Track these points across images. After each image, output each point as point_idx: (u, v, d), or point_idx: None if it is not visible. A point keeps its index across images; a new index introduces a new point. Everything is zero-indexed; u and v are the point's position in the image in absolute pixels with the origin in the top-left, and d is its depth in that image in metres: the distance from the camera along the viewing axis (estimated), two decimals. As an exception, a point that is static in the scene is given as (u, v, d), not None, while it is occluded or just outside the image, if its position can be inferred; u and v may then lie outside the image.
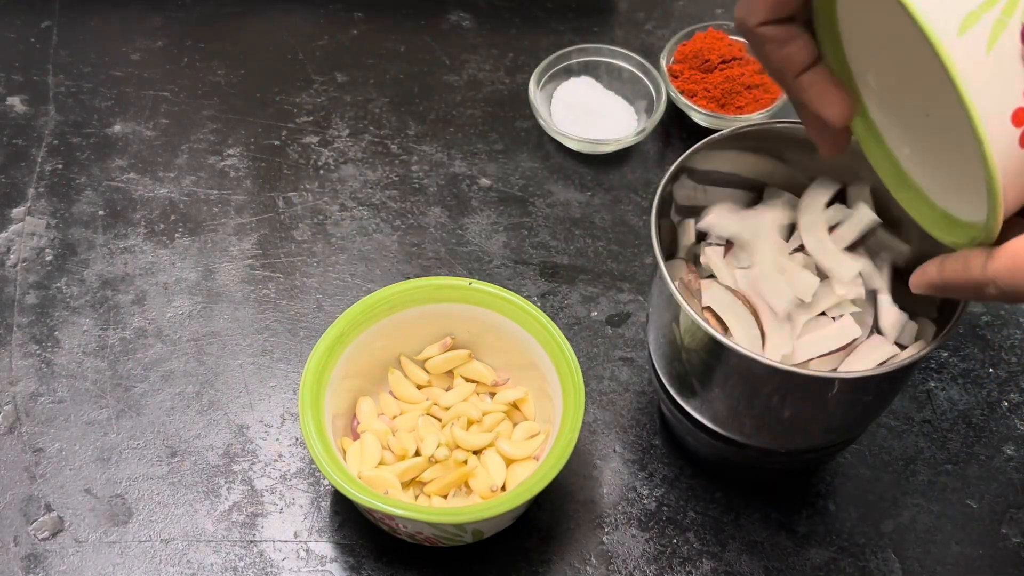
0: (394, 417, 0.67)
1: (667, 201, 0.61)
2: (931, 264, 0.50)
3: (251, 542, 0.65)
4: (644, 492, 0.67)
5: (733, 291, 0.60)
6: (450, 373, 0.69)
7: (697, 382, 0.60)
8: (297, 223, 0.80)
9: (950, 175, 0.52)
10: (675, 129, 0.86)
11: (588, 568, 0.64)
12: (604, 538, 0.65)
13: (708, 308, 0.60)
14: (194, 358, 0.73)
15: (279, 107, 0.87)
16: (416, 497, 0.64)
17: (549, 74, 0.86)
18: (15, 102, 0.86)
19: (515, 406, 0.67)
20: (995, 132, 0.42)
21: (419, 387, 0.68)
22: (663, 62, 0.86)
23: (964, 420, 0.71)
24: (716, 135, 0.61)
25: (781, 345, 0.58)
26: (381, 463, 0.64)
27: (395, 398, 0.68)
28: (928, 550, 0.66)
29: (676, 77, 0.86)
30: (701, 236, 0.64)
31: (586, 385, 0.64)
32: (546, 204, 0.81)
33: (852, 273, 0.59)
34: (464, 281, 0.67)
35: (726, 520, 0.66)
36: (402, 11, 0.94)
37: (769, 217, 0.62)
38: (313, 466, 0.68)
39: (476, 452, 0.64)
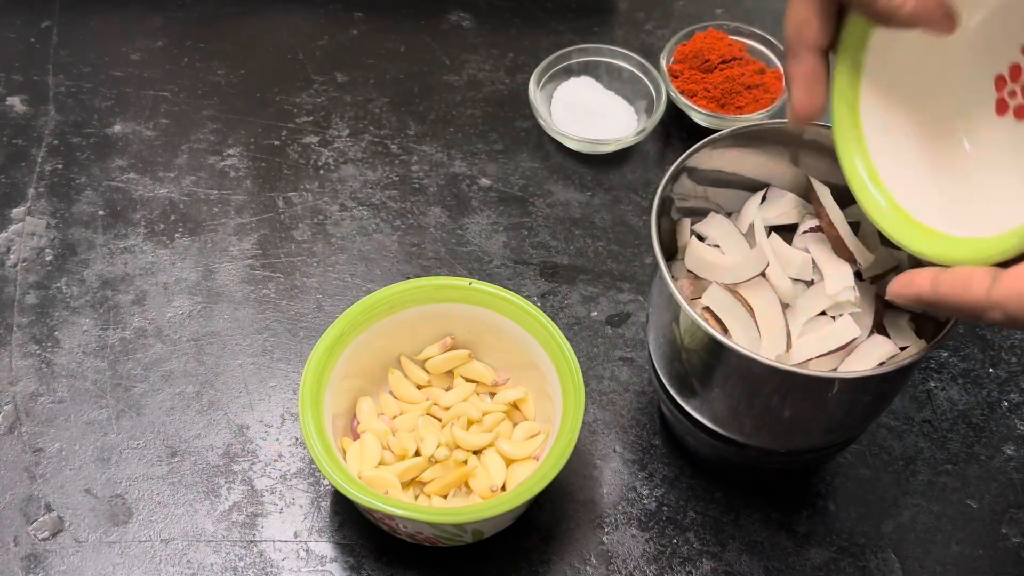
0: (394, 417, 0.67)
1: (667, 201, 0.62)
2: (921, 276, 0.49)
3: (251, 542, 0.65)
4: (644, 492, 0.67)
5: (732, 292, 0.60)
6: (450, 373, 0.69)
7: (697, 382, 0.60)
8: (297, 223, 0.80)
9: (957, 191, 0.52)
10: (675, 129, 0.87)
11: (588, 568, 0.64)
12: (604, 538, 0.65)
13: (707, 308, 0.60)
14: (194, 358, 0.73)
15: (279, 107, 0.87)
16: (416, 497, 0.64)
17: (549, 74, 0.86)
18: (15, 102, 0.86)
19: (515, 406, 0.67)
20: None
21: (419, 387, 0.68)
22: (663, 62, 0.86)
23: (964, 420, 0.71)
24: (716, 135, 0.61)
25: (775, 345, 0.58)
26: (381, 463, 0.64)
27: (395, 398, 0.68)
28: (928, 550, 0.66)
29: (676, 77, 0.86)
30: (701, 237, 0.64)
31: (586, 385, 0.64)
32: (546, 204, 0.81)
33: (847, 278, 0.60)
34: (464, 281, 0.67)
35: (726, 520, 0.66)
36: (402, 11, 0.94)
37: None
38: (313, 466, 0.68)
39: (476, 452, 0.64)
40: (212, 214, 0.80)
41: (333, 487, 0.66)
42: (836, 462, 0.69)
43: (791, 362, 0.58)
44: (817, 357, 0.58)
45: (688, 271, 0.62)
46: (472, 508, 0.58)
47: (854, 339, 0.58)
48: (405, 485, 0.63)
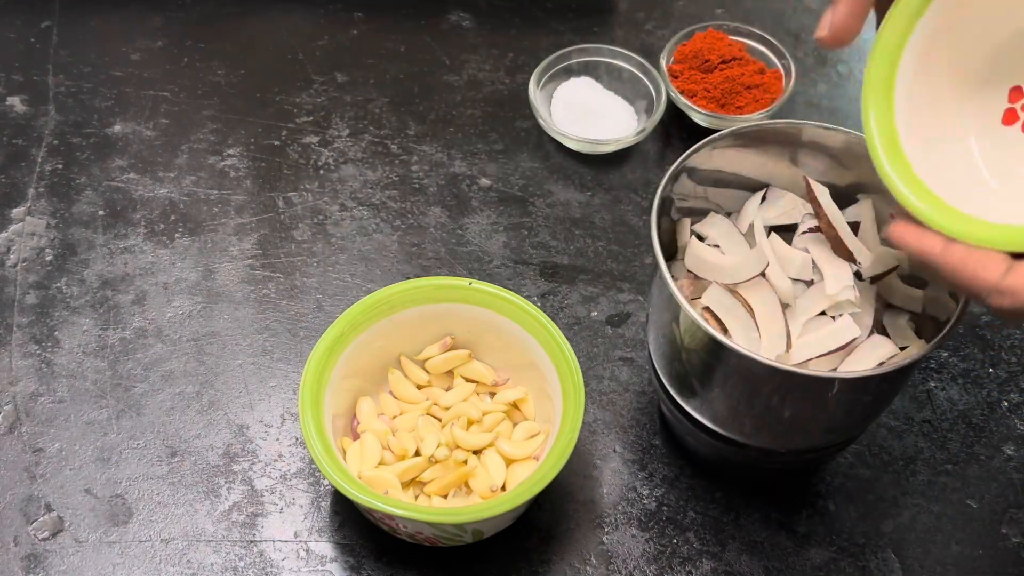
0: (394, 417, 0.67)
1: (667, 201, 0.62)
2: (933, 237, 0.49)
3: (251, 542, 0.65)
4: (644, 492, 0.67)
5: (732, 292, 0.60)
6: (450, 373, 0.69)
7: (697, 382, 0.60)
8: (297, 223, 0.80)
9: (963, 169, 0.52)
10: (675, 129, 0.87)
11: (588, 568, 0.64)
12: (604, 538, 0.65)
13: (707, 308, 0.60)
14: (194, 358, 0.73)
15: (279, 107, 0.87)
16: (416, 497, 0.64)
17: (549, 74, 0.86)
18: (15, 102, 0.86)
19: (515, 406, 0.67)
20: None
21: (419, 387, 0.68)
22: (663, 62, 0.86)
23: (964, 420, 0.71)
24: (716, 135, 0.61)
25: (775, 345, 0.59)
26: (381, 463, 0.64)
27: (395, 398, 0.68)
28: (928, 550, 0.66)
29: (676, 77, 0.86)
30: (701, 237, 0.64)
31: (586, 385, 0.64)
32: (546, 204, 0.81)
33: (846, 277, 0.60)
34: (464, 281, 0.67)
35: (726, 520, 0.66)
36: (402, 11, 0.94)
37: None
38: (313, 466, 0.68)
39: (476, 452, 0.64)
40: (212, 214, 0.80)
41: (333, 487, 0.66)
42: (836, 462, 0.69)
43: (791, 362, 0.58)
44: (817, 357, 0.58)
45: (688, 271, 0.62)
46: (472, 508, 0.58)
47: (854, 339, 0.58)
48: (405, 485, 0.63)
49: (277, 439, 0.69)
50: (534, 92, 0.85)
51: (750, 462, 0.64)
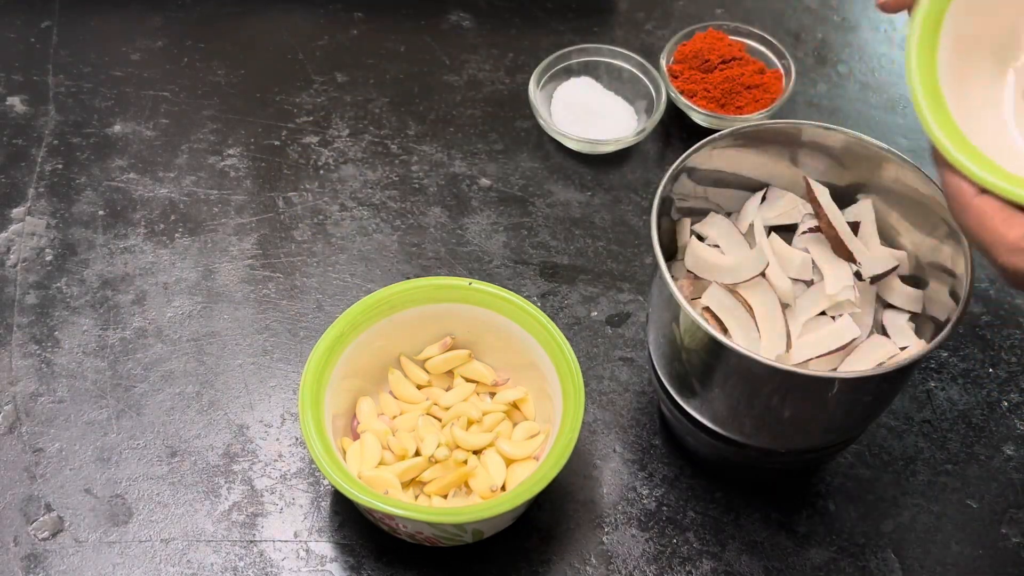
0: (394, 417, 0.67)
1: (667, 201, 0.62)
2: (969, 187, 0.50)
3: (251, 542, 0.65)
4: (644, 492, 0.67)
5: (732, 292, 0.60)
6: (450, 373, 0.69)
7: (697, 382, 0.60)
8: (297, 223, 0.80)
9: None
10: (675, 129, 0.87)
11: (588, 568, 0.64)
12: (604, 538, 0.65)
13: (707, 308, 0.60)
14: (194, 358, 0.73)
15: (279, 107, 0.87)
16: (416, 497, 0.64)
17: (549, 74, 0.86)
18: (15, 102, 0.86)
19: (515, 406, 0.67)
20: None
21: (419, 387, 0.68)
22: (663, 62, 0.86)
23: (964, 420, 0.71)
24: (716, 135, 0.61)
25: (775, 345, 0.59)
26: (381, 463, 0.64)
27: (395, 398, 0.68)
28: (928, 550, 0.66)
29: (676, 77, 0.86)
30: (701, 237, 0.64)
31: (586, 385, 0.64)
32: (546, 204, 0.81)
33: (846, 277, 0.60)
34: (464, 281, 0.67)
35: (726, 520, 0.66)
36: (402, 11, 0.94)
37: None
38: (313, 466, 0.68)
39: (476, 452, 0.64)
40: (212, 214, 0.80)
41: (333, 487, 0.66)
42: (836, 462, 0.69)
43: (791, 362, 0.58)
44: (817, 357, 0.58)
45: (688, 271, 0.62)
46: (472, 508, 0.58)
47: (854, 339, 0.58)
48: (405, 485, 0.63)
49: (277, 439, 0.69)
50: (534, 92, 0.85)
51: (750, 462, 0.64)
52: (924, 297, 0.61)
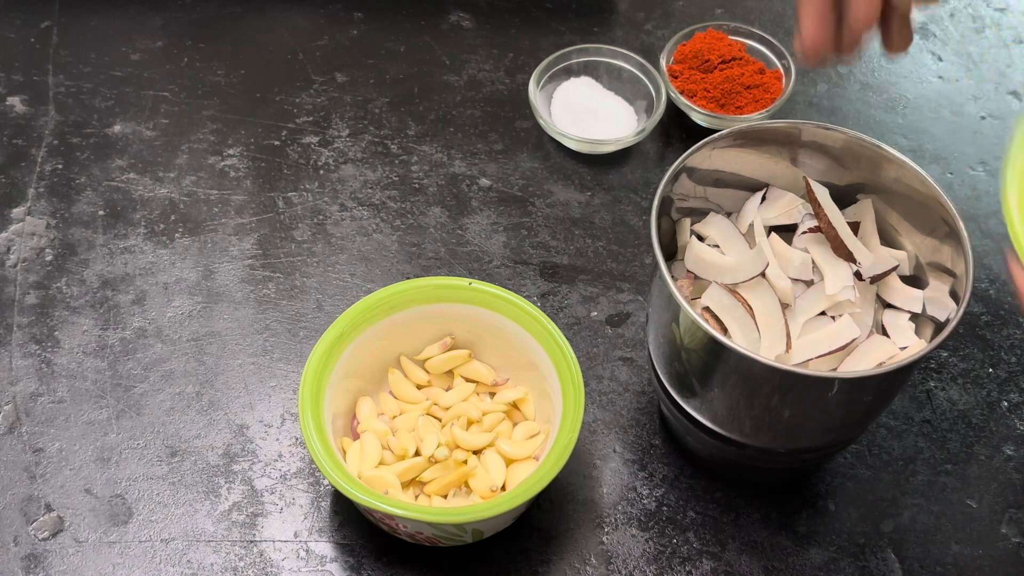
0: (394, 417, 0.67)
1: (667, 201, 0.62)
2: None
3: (251, 542, 0.65)
4: (644, 492, 0.67)
5: (732, 292, 0.60)
6: (450, 373, 0.69)
7: (697, 382, 0.60)
8: (297, 223, 0.80)
9: None
10: (675, 129, 0.87)
11: (588, 568, 0.64)
12: (604, 538, 0.65)
13: (707, 308, 0.60)
14: (194, 358, 0.73)
15: (279, 107, 0.87)
16: (416, 497, 0.64)
17: (549, 74, 0.86)
18: (15, 102, 0.86)
19: (515, 406, 0.67)
20: None
21: (419, 387, 0.68)
22: (663, 62, 0.86)
23: (964, 420, 0.71)
24: (716, 135, 0.61)
25: (775, 345, 0.59)
26: (381, 463, 0.64)
27: (395, 398, 0.68)
28: (928, 550, 0.66)
29: (676, 77, 0.86)
30: (701, 237, 0.64)
31: (586, 385, 0.64)
32: (546, 204, 0.81)
33: (846, 276, 0.60)
34: (464, 281, 0.67)
35: (726, 520, 0.66)
36: (402, 11, 0.94)
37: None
38: (313, 466, 0.68)
39: (476, 452, 0.64)
40: (212, 214, 0.80)
41: (333, 487, 0.66)
42: (836, 462, 0.69)
43: (791, 362, 0.58)
44: (817, 357, 0.58)
45: (688, 271, 0.62)
46: (472, 508, 0.58)
47: (854, 339, 0.58)
48: (405, 485, 0.63)
49: (277, 439, 0.69)
50: (534, 92, 0.85)
51: (750, 462, 0.64)
52: (924, 297, 0.61)
